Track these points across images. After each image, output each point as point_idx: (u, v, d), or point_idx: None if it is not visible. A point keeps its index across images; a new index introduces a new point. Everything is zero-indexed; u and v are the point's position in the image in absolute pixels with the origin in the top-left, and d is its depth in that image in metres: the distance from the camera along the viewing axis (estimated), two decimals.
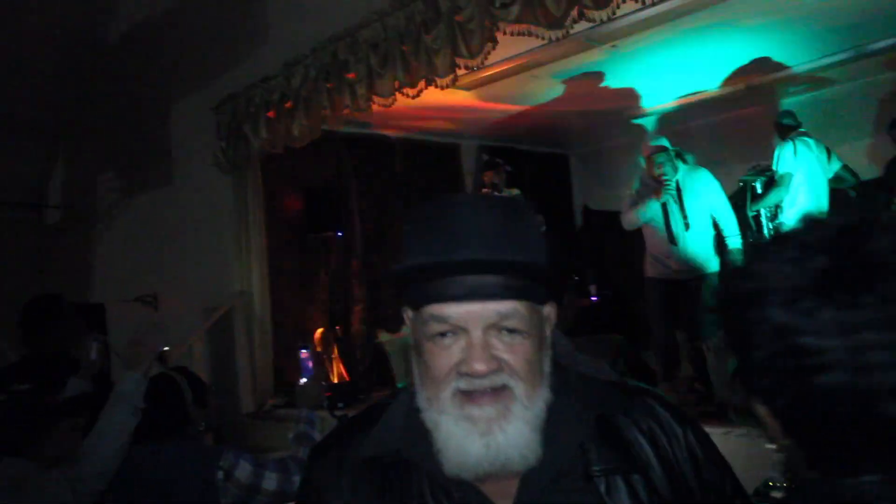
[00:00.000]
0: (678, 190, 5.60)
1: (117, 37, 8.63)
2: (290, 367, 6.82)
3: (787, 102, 7.38)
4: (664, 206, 5.62)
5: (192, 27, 7.59)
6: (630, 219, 5.89)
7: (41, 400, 2.93)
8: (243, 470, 2.70)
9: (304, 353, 6.12)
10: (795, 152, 6.00)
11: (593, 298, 8.18)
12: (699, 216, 5.61)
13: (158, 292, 8.01)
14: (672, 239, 5.62)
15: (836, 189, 6.45)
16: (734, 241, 5.68)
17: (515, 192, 7.37)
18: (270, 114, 6.19)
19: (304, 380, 5.81)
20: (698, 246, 5.58)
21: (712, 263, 5.64)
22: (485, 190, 7.09)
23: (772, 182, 6.37)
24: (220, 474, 2.68)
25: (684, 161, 5.83)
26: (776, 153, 6.15)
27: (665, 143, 5.74)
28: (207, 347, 6.78)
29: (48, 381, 3.12)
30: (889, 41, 6.40)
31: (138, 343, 2.92)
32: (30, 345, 3.73)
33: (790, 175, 5.97)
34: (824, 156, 6.17)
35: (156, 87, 8.13)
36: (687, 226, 5.56)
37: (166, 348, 3.73)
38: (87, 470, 2.68)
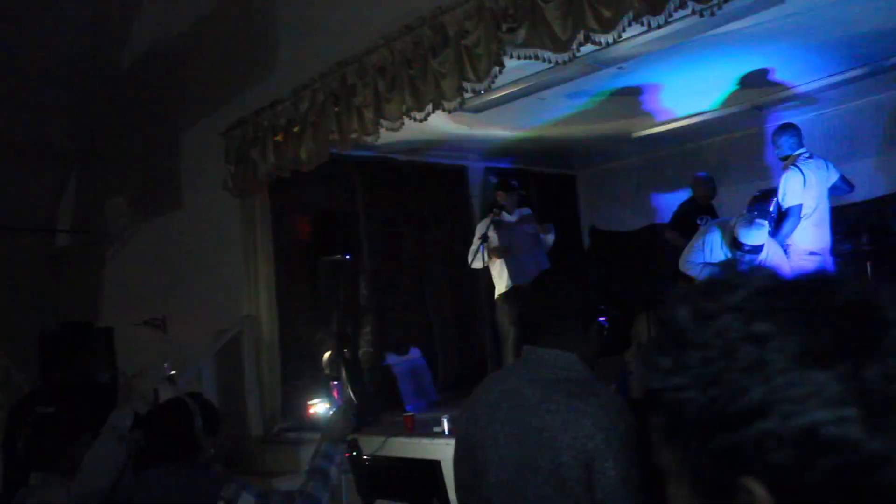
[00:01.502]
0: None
1: (129, 63, 8.71)
2: (298, 390, 6.82)
3: (795, 119, 7.35)
4: None
5: (202, 53, 7.66)
6: (690, 267, 5.95)
7: (67, 421, 3.04)
8: (245, 501, 2.66)
9: (333, 383, 6.14)
10: (805, 182, 5.98)
11: (600, 319, 8.16)
12: None
13: (167, 316, 8.03)
14: None
15: (842, 206, 6.46)
16: None
17: (526, 211, 7.38)
18: (278, 138, 6.22)
19: (332, 410, 5.79)
20: None
21: None
22: (495, 210, 7.11)
23: (781, 213, 6.36)
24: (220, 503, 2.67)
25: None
26: (783, 183, 6.12)
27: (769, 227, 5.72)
28: (215, 371, 6.78)
29: (71, 405, 3.21)
30: None
31: (128, 386, 3.10)
32: (58, 369, 3.85)
33: (799, 206, 5.97)
34: (824, 171, 6.18)
35: (166, 113, 8.20)
36: None
37: (173, 371, 3.77)
38: (79, 489, 2.87)
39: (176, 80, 8.02)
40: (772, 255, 5.73)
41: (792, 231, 5.98)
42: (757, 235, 5.56)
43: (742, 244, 5.58)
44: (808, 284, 0.75)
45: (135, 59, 8.57)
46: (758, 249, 5.57)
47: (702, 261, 5.94)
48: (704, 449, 0.72)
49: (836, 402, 0.67)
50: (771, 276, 0.76)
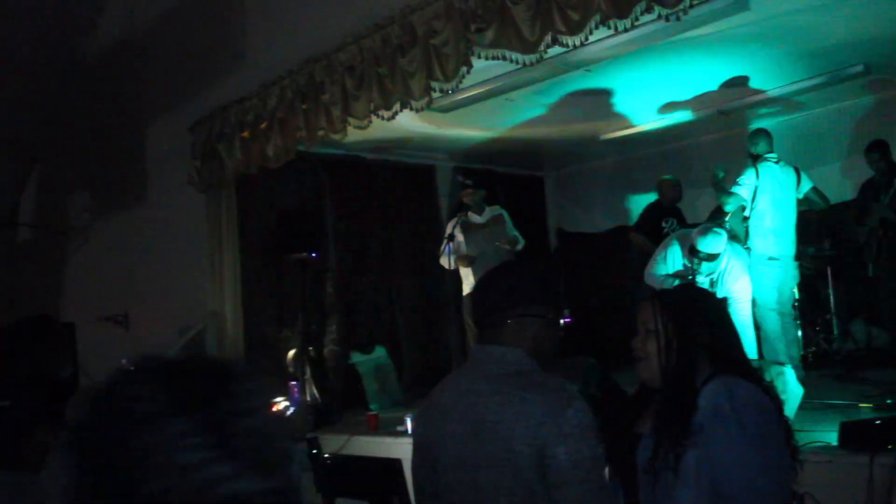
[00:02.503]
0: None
1: (95, 55, 8.60)
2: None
3: (763, 125, 7.42)
4: None
5: (170, 47, 7.58)
6: (653, 280, 6.01)
7: (24, 414, 2.99)
8: None
9: (292, 383, 6.12)
10: (758, 175, 6.10)
11: (567, 320, 8.19)
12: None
13: (130, 312, 7.95)
14: None
15: (804, 211, 6.55)
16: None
17: (496, 208, 7.37)
18: (245, 134, 6.19)
19: (291, 409, 5.79)
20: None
21: None
22: (461, 213, 7.10)
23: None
24: None
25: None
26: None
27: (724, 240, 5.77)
28: None
29: (26, 398, 3.17)
30: (861, 67, 6.53)
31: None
32: (16, 364, 3.79)
33: (738, 197, 6.10)
34: (791, 178, 6.26)
35: (132, 106, 8.11)
36: None
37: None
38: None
39: (142, 74, 7.93)
40: (731, 265, 5.81)
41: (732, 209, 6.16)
42: (713, 244, 5.63)
43: (698, 251, 5.67)
44: (180, 361, 1.03)
45: (101, 51, 8.46)
46: (713, 257, 5.66)
47: (664, 273, 6.03)
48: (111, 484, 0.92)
49: (190, 435, 0.91)
50: (155, 361, 1.01)
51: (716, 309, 2.32)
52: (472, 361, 2.24)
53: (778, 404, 2.12)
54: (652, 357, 2.21)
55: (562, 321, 2.23)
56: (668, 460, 2.01)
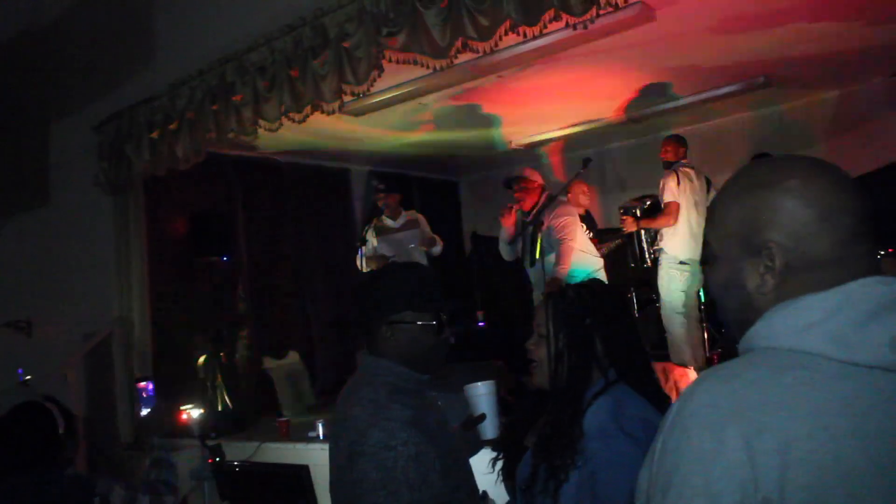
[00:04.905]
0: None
1: None
2: (172, 395, 6.64)
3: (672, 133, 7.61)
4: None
5: (76, 43, 7.36)
6: (504, 251, 6.20)
7: None
8: (118, 495, 2.78)
9: (142, 384, 6.01)
10: (678, 182, 6.23)
11: (480, 324, 8.25)
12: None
13: (32, 317, 7.67)
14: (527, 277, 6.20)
15: None
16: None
17: (413, 212, 7.36)
18: (154, 135, 6.05)
19: (145, 411, 5.72)
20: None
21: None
22: (376, 219, 7.07)
23: (657, 209, 6.58)
24: (97, 500, 2.74)
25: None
26: (661, 183, 6.37)
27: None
28: (83, 375, 6.52)
29: None
30: (762, 79, 6.76)
31: None
32: None
33: (677, 204, 6.20)
34: (703, 185, 6.43)
35: (34, 102, 7.84)
36: (532, 262, 5.88)
37: (28, 377, 3.62)
38: None
39: (46, 69, 7.66)
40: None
41: (665, 225, 6.24)
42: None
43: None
44: None
45: (1, 42, 8.15)
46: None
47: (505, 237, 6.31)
48: None
49: None
50: None
51: (615, 309, 2.18)
52: (359, 369, 2.23)
53: None
54: (543, 363, 2.13)
55: (443, 327, 2.14)
56: (547, 487, 1.91)
